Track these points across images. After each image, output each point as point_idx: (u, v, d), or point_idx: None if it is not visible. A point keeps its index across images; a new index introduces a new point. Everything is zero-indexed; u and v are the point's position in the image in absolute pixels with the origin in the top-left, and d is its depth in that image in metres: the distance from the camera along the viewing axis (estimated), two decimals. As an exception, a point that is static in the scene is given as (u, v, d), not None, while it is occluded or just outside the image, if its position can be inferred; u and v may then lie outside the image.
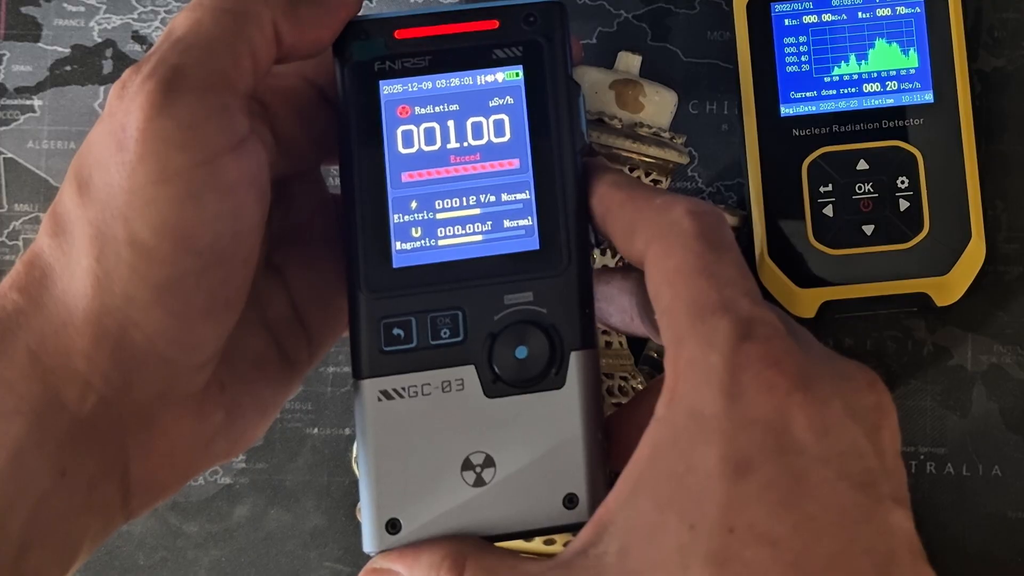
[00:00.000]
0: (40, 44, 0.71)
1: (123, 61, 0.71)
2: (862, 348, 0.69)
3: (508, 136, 0.41)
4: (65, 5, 0.71)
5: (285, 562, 0.68)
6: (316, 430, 0.69)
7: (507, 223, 0.41)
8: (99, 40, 0.71)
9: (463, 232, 0.41)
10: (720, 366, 0.35)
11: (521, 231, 0.41)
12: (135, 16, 0.71)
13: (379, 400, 0.40)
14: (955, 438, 0.68)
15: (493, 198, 0.41)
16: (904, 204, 0.66)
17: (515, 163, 0.41)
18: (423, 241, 0.41)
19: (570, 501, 0.39)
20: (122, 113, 0.37)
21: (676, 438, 0.35)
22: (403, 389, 0.40)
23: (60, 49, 0.71)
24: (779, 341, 0.35)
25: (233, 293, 0.39)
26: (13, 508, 0.37)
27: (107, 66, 0.71)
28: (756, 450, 0.34)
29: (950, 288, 0.65)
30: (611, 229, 0.40)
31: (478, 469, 0.39)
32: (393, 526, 0.39)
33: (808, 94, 0.67)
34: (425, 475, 0.39)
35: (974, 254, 0.66)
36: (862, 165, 0.66)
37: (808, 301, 0.65)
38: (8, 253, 0.70)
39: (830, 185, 0.66)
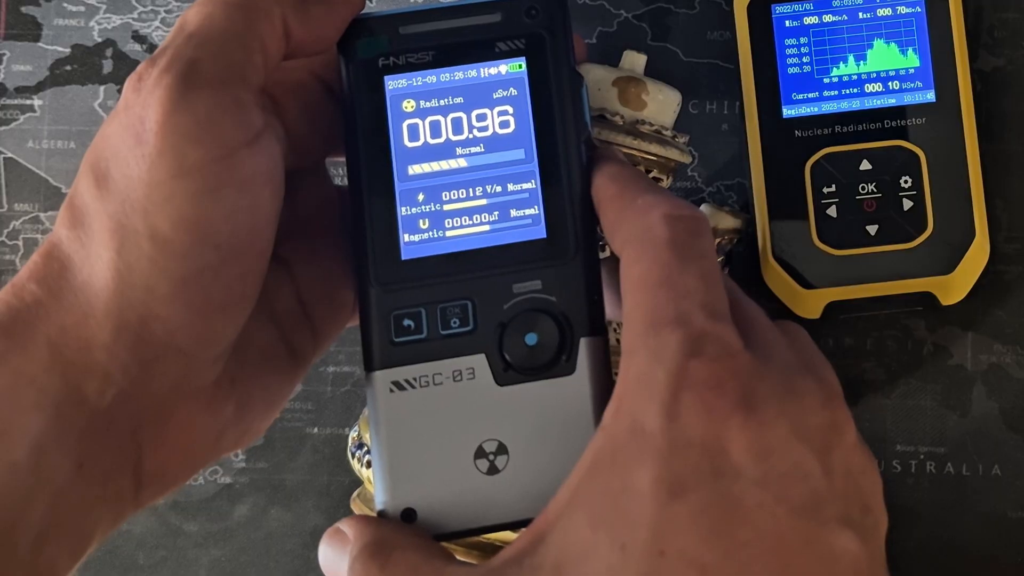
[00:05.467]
0: (40, 44, 0.70)
1: (123, 61, 0.70)
2: (862, 347, 0.67)
3: (512, 127, 0.41)
4: (65, 5, 0.70)
5: (285, 561, 0.67)
6: (316, 430, 0.68)
7: (514, 212, 0.40)
8: (99, 40, 0.70)
9: (470, 223, 0.40)
10: (663, 383, 0.34)
11: (528, 220, 0.40)
12: (135, 16, 0.70)
13: (391, 391, 0.39)
14: (955, 438, 0.67)
15: (499, 188, 0.41)
16: (908, 204, 0.65)
17: (520, 153, 0.41)
18: (431, 232, 0.40)
19: None
20: (139, 106, 0.37)
21: (616, 452, 0.34)
22: (415, 379, 0.39)
23: (60, 49, 0.70)
24: (727, 361, 0.34)
25: (249, 286, 0.39)
26: (32, 501, 0.36)
27: (107, 66, 0.70)
28: (691, 473, 0.33)
29: (955, 287, 0.64)
30: (601, 223, 0.40)
31: (491, 457, 0.39)
32: (408, 516, 0.39)
33: (810, 95, 0.66)
34: (439, 464, 0.39)
35: (978, 252, 0.65)
36: (865, 165, 0.65)
37: (813, 302, 0.64)
38: (8, 253, 0.69)
39: (833, 186, 0.65)
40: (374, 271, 0.40)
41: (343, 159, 0.42)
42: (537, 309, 0.39)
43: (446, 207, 0.40)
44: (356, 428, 0.61)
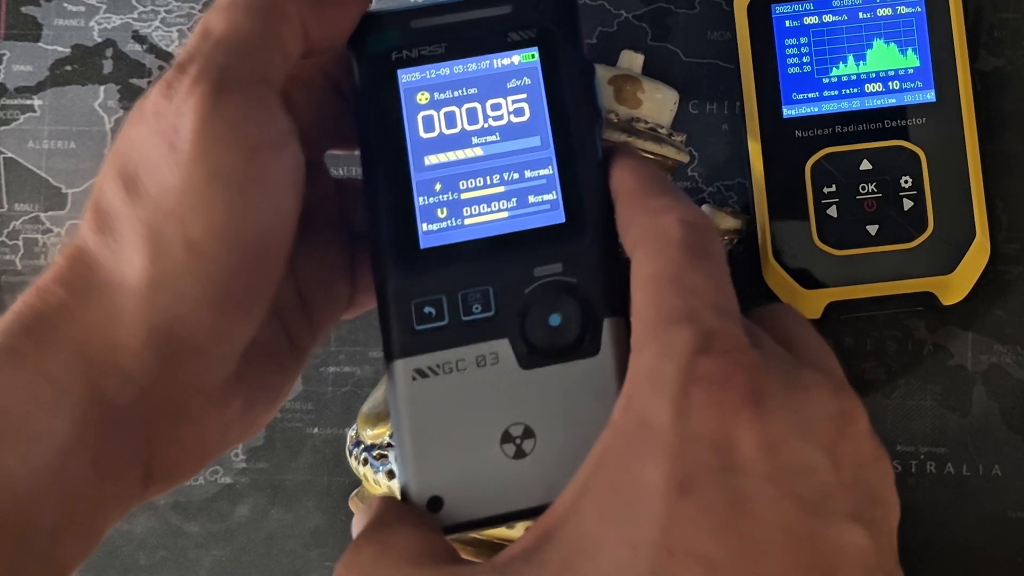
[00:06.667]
0: (40, 44, 0.70)
1: (123, 61, 0.70)
2: (862, 348, 0.67)
3: (527, 115, 0.41)
4: (65, 5, 0.70)
5: (286, 561, 0.67)
6: (316, 430, 0.68)
7: (532, 198, 0.40)
8: (99, 40, 0.70)
9: (489, 210, 0.40)
10: (673, 378, 0.34)
11: (546, 205, 0.40)
12: (135, 16, 0.70)
13: (413, 379, 0.39)
14: (955, 438, 0.66)
15: (516, 175, 0.40)
16: (908, 203, 0.64)
17: (536, 141, 0.41)
18: (449, 221, 0.40)
19: None
20: (172, 114, 0.37)
21: (625, 448, 0.34)
22: (437, 367, 0.39)
23: (60, 49, 0.70)
24: (737, 355, 0.34)
25: (271, 287, 0.39)
26: (49, 500, 0.36)
27: (107, 66, 0.70)
28: (699, 469, 0.33)
29: (955, 287, 0.64)
30: (616, 215, 0.40)
31: (518, 441, 0.38)
32: (435, 504, 0.38)
33: (810, 95, 0.65)
34: (465, 450, 0.38)
35: (978, 252, 0.64)
36: (865, 165, 0.65)
37: (814, 302, 0.64)
38: (8, 253, 0.69)
39: (833, 186, 0.65)
40: (393, 261, 0.40)
41: (343, 153, 0.42)
42: (559, 291, 0.39)
43: (463, 195, 0.40)
44: (354, 426, 0.61)
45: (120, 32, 0.70)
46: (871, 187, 0.64)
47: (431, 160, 0.40)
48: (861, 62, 0.65)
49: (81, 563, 0.38)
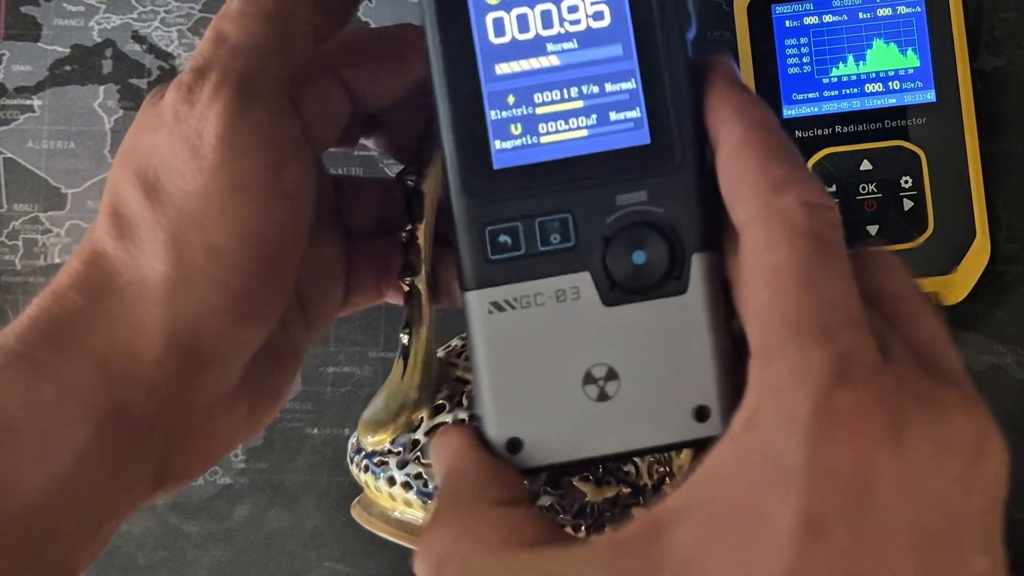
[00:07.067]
0: (40, 44, 0.70)
1: (123, 61, 0.70)
2: None
3: (608, 20, 0.37)
4: (65, 5, 0.70)
5: (285, 562, 0.67)
6: (316, 430, 0.68)
7: (613, 116, 0.36)
8: (99, 40, 0.70)
9: (567, 127, 0.37)
10: (807, 411, 0.31)
11: (629, 124, 0.36)
12: (135, 16, 0.70)
13: (490, 312, 0.36)
14: None
15: (596, 89, 0.37)
16: (908, 204, 0.64)
17: (618, 49, 0.37)
18: (524, 139, 0.37)
19: (701, 413, 0.36)
20: (196, 119, 0.37)
21: (750, 474, 0.31)
22: (515, 300, 0.36)
23: (60, 49, 0.70)
24: (874, 382, 0.31)
25: (286, 294, 0.39)
26: (66, 509, 0.37)
27: (107, 66, 0.70)
28: (832, 510, 0.30)
29: (956, 286, 0.64)
30: (719, 168, 0.36)
31: (601, 383, 0.36)
32: (514, 446, 0.36)
33: (810, 95, 0.65)
34: (545, 391, 0.36)
35: (979, 252, 0.65)
36: (865, 165, 0.65)
37: None
38: (8, 253, 0.69)
39: (834, 186, 0.65)
40: (464, 182, 0.37)
41: (341, 151, 0.41)
42: (643, 223, 0.36)
43: (539, 110, 0.37)
44: (355, 433, 0.60)
45: (120, 32, 0.70)
46: (871, 187, 0.64)
47: (503, 69, 0.37)
48: (861, 62, 0.65)
49: (89, 566, 0.38)
